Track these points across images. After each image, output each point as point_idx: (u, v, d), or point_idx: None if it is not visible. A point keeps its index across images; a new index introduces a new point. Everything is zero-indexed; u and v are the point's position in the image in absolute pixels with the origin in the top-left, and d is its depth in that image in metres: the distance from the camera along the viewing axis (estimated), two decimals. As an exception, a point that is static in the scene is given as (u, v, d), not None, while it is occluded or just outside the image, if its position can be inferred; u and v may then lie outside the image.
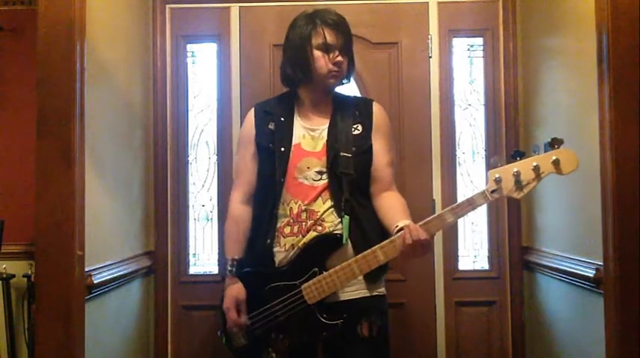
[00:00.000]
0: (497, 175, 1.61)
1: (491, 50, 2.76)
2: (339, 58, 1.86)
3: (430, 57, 2.75)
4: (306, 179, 1.86)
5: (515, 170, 1.60)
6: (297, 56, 1.89)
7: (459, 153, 2.78)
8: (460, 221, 2.74)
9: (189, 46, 2.83)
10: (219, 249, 2.79)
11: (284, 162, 1.86)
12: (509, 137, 2.73)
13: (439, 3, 2.76)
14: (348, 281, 1.75)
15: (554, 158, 1.58)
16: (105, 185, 2.23)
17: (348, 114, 1.92)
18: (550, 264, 2.38)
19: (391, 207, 1.85)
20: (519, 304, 2.71)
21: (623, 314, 1.83)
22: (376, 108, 1.97)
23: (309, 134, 1.91)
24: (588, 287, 2.04)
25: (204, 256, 2.82)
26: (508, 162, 1.63)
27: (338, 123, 1.90)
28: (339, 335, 1.77)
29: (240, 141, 2.03)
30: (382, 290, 1.90)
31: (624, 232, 1.83)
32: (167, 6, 2.80)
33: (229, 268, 1.89)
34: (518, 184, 1.60)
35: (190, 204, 2.81)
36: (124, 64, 2.48)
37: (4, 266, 2.66)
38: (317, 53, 1.87)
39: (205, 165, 2.82)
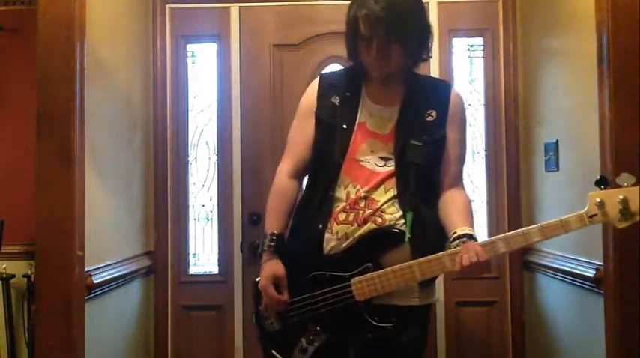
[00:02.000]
0: (598, 199, 1.44)
1: (491, 50, 2.76)
2: (374, 52, 1.62)
3: (430, 57, 2.74)
4: (369, 163, 1.68)
5: (621, 197, 1.43)
6: (347, 43, 1.73)
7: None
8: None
9: (189, 46, 2.83)
10: (219, 248, 2.79)
11: (345, 140, 1.69)
12: (509, 137, 2.73)
13: (439, 3, 2.76)
14: (405, 284, 1.58)
15: None
16: (105, 185, 2.23)
17: (421, 98, 1.73)
18: (550, 264, 2.38)
19: (454, 207, 1.68)
20: (519, 304, 2.71)
21: (623, 314, 1.83)
22: (454, 93, 1.77)
23: (377, 114, 1.72)
24: (588, 287, 2.04)
25: (204, 256, 2.82)
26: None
27: (410, 106, 1.71)
28: (379, 339, 1.62)
29: (299, 112, 1.83)
30: (433, 298, 1.75)
31: (624, 232, 1.82)
32: (167, 6, 2.80)
33: (269, 243, 1.70)
34: (625, 213, 1.43)
35: (190, 204, 2.81)
36: (124, 63, 2.48)
37: (4, 266, 2.66)
38: (359, 43, 1.67)
39: (205, 165, 2.82)
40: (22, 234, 2.59)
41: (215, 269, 2.80)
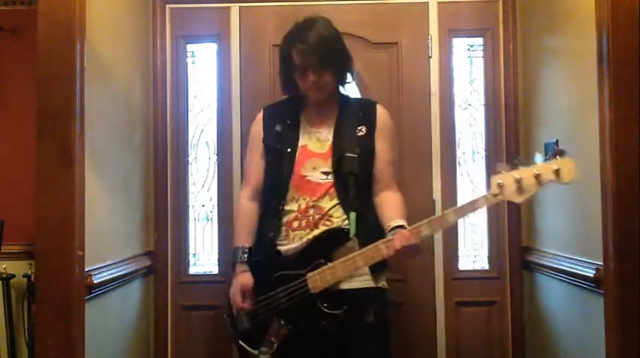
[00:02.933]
0: (499, 181, 1.70)
1: (491, 50, 2.76)
2: (312, 78, 1.92)
3: (430, 57, 2.75)
4: (312, 176, 1.94)
5: (517, 177, 1.68)
6: (282, 74, 2.03)
7: (459, 153, 2.78)
8: (460, 221, 2.74)
9: (189, 46, 2.83)
10: (219, 248, 2.79)
11: (290, 162, 1.95)
12: (509, 137, 2.73)
13: (439, 3, 2.76)
14: (350, 272, 1.83)
15: (555, 168, 1.66)
16: (105, 185, 2.23)
17: (352, 116, 2.00)
18: (550, 264, 2.38)
19: (388, 205, 1.95)
20: (519, 304, 2.71)
21: (623, 314, 1.83)
22: (380, 110, 2.04)
23: (315, 136, 1.99)
24: (588, 287, 2.04)
25: (204, 256, 2.82)
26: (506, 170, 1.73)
27: (343, 125, 1.99)
28: (342, 323, 1.82)
29: (250, 143, 2.11)
30: (384, 284, 1.96)
31: (624, 232, 1.82)
32: (167, 6, 2.80)
33: (242, 255, 1.97)
34: (520, 190, 1.69)
35: (190, 204, 2.81)
36: (124, 63, 2.48)
37: (4, 266, 2.66)
38: (295, 73, 1.96)
39: (205, 165, 2.82)
40: (22, 234, 2.59)
41: (215, 270, 2.80)
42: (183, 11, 2.81)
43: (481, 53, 2.79)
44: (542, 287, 2.53)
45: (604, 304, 1.91)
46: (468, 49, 2.81)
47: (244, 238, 2.00)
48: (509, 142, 2.73)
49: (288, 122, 2.02)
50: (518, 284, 2.71)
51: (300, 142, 1.98)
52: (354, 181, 1.91)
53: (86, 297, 1.96)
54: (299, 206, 1.92)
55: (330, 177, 1.93)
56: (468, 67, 2.81)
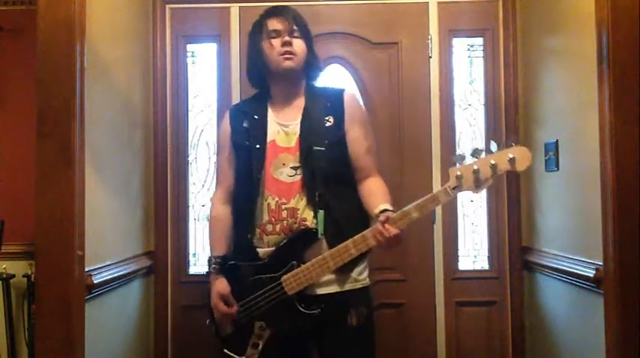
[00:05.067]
0: (458, 173, 1.70)
1: (491, 50, 2.76)
2: (287, 38, 1.91)
3: (430, 57, 2.75)
4: (282, 175, 1.90)
5: (475, 168, 1.69)
6: (252, 53, 2.01)
7: (458, 153, 2.77)
8: (460, 221, 2.75)
9: (189, 46, 2.83)
10: (219, 249, 2.78)
11: (260, 158, 1.91)
12: (509, 137, 2.72)
13: (439, 3, 2.76)
14: (324, 274, 1.82)
15: (510, 156, 1.66)
16: (105, 185, 2.23)
17: (319, 107, 1.95)
18: (550, 264, 2.38)
19: (371, 192, 1.92)
20: (519, 304, 2.71)
21: (623, 314, 1.83)
22: (347, 97, 2.00)
23: (283, 130, 1.95)
24: (588, 287, 2.04)
25: (204, 256, 2.81)
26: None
27: (310, 116, 1.94)
28: (310, 325, 1.84)
29: (219, 143, 2.13)
30: (360, 283, 1.92)
31: (624, 232, 1.83)
32: (167, 6, 2.80)
33: (213, 265, 1.99)
34: (477, 181, 1.69)
35: (190, 204, 2.81)
36: (124, 63, 2.48)
37: (4, 266, 2.67)
38: (266, 43, 1.95)
39: (205, 165, 2.82)
40: (22, 234, 2.60)
41: (215, 270, 2.79)
42: (184, 11, 2.81)
43: (481, 53, 2.79)
44: (542, 287, 2.53)
45: (604, 304, 1.91)
46: (468, 49, 2.81)
47: (216, 246, 2.03)
48: (509, 142, 2.72)
49: (256, 117, 1.97)
50: (518, 284, 2.71)
51: (269, 138, 1.94)
52: (323, 176, 1.86)
53: (86, 297, 1.96)
54: (269, 205, 1.89)
55: (298, 172, 1.89)
56: (467, 67, 2.81)
